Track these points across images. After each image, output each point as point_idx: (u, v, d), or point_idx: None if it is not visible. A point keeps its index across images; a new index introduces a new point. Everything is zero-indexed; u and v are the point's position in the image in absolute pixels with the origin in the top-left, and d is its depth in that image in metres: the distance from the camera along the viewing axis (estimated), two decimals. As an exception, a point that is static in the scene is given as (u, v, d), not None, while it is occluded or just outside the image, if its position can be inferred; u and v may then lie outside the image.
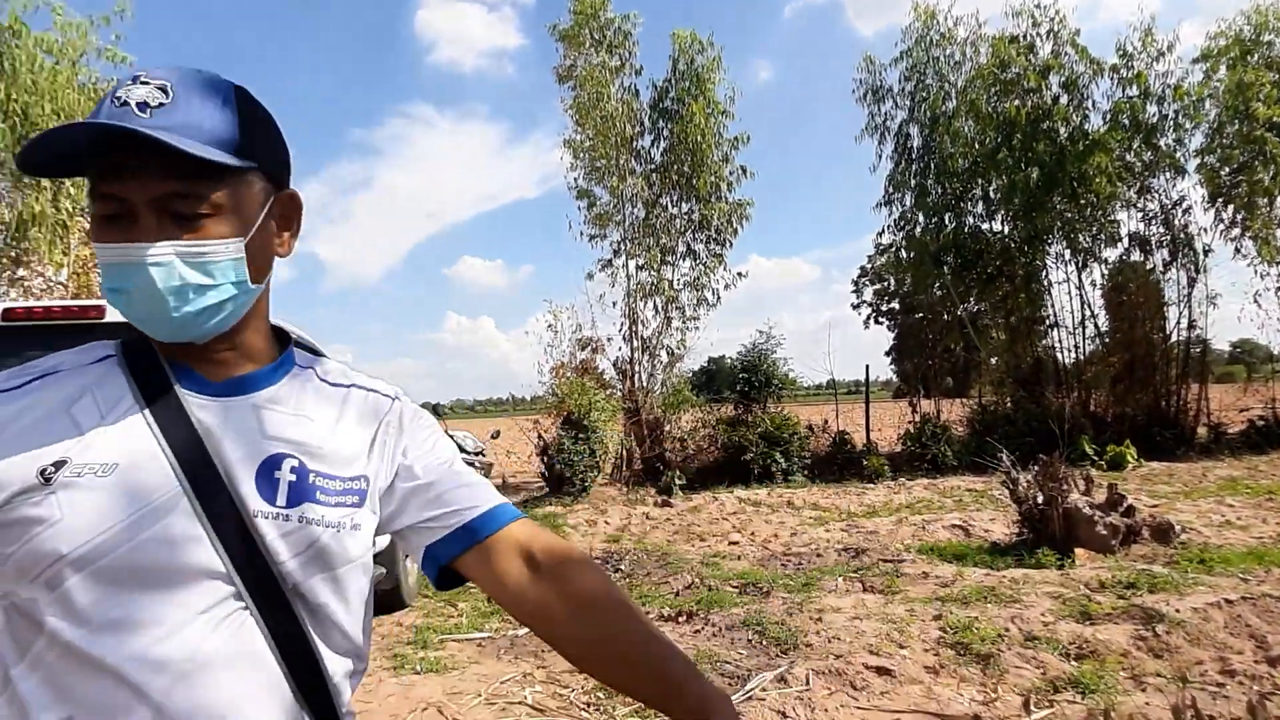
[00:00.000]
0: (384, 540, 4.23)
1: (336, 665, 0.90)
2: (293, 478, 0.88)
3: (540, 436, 12.28)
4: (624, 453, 13.39)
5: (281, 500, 0.86)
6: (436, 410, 9.68)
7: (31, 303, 3.55)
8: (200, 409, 0.88)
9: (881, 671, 3.85)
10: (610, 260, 14.43)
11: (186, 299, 0.83)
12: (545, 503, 11.41)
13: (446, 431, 5.94)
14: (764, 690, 3.70)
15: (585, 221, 14.53)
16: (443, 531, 0.96)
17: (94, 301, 3.36)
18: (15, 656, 0.79)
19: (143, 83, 0.81)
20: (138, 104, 0.80)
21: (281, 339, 1.00)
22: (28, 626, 0.79)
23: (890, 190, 16.08)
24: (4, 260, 10.26)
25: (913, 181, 15.69)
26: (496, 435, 10.67)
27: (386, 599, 5.72)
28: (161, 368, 0.89)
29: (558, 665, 4.56)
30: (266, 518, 0.85)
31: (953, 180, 15.10)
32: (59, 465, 0.80)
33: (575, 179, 14.53)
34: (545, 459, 12.06)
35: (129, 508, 0.80)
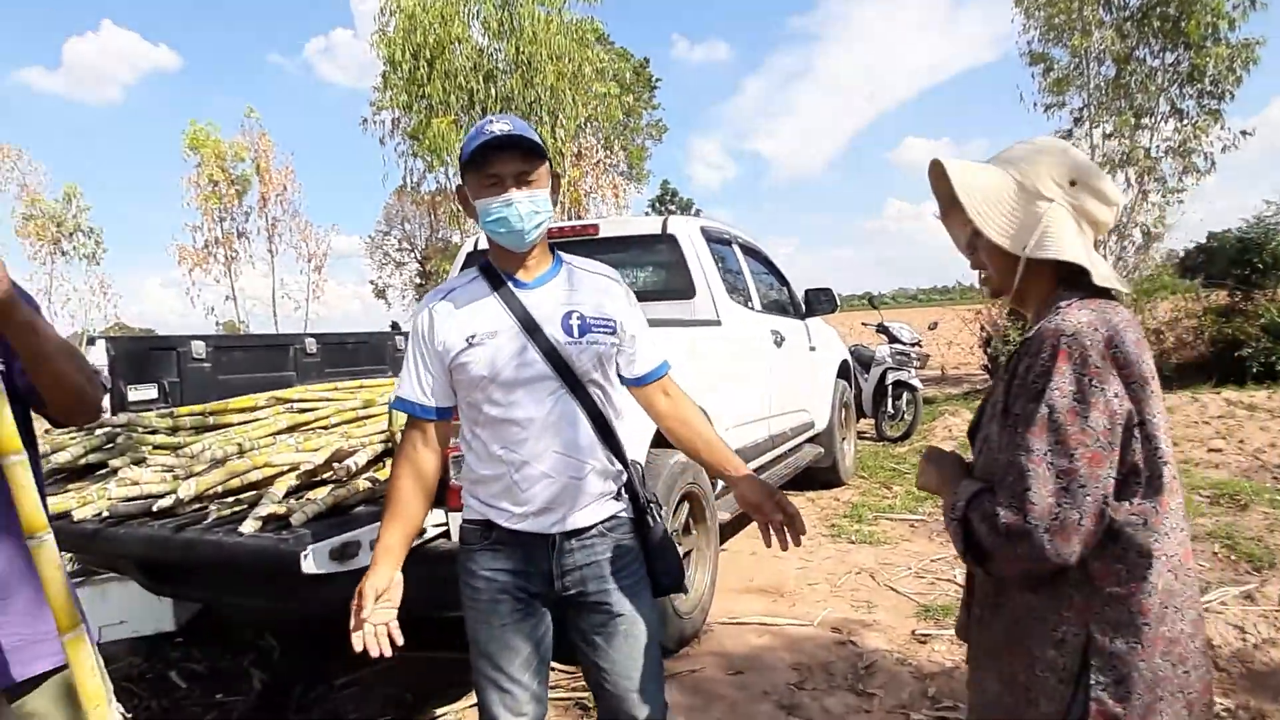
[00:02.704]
0: (822, 423, 4.90)
1: (618, 425, 1.71)
2: (578, 322, 1.66)
3: (983, 327, 11.81)
4: (1081, 345, 12.19)
5: (575, 335, 1.64)
6: (872, 301, 9.93)
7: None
8: (524, 296, 1.66)
9: (1390, 606, 3.31)
10: (1070, 130, 12.81)
11: (530, 219, 1.60)
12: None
13: (883, 323, 6.36)
14: (1223, 604, 3.46)
15: (1039, 90, 13.06)
16: (623, 370, 1.76)
17: (591, 221, 4.31)
18: (472, 422, 1.68)
19: (497, 122, 1.57)
20: (500, 129, 1.55)
21: (552, 252, 1.77)
22: (476, 410, 1.66)
23: None
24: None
25: None
26: (934, 326, 10.57)
27: (825, 476, 6.29)
28: (501, 278, 1.68)
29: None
30: (568, 345, 1.63)
31: None
32: (472, 335, 1.62)
33: (1028, 42, 13.05)
34: (989, 350, 11.61)
35: (504, 352, 1.61)
